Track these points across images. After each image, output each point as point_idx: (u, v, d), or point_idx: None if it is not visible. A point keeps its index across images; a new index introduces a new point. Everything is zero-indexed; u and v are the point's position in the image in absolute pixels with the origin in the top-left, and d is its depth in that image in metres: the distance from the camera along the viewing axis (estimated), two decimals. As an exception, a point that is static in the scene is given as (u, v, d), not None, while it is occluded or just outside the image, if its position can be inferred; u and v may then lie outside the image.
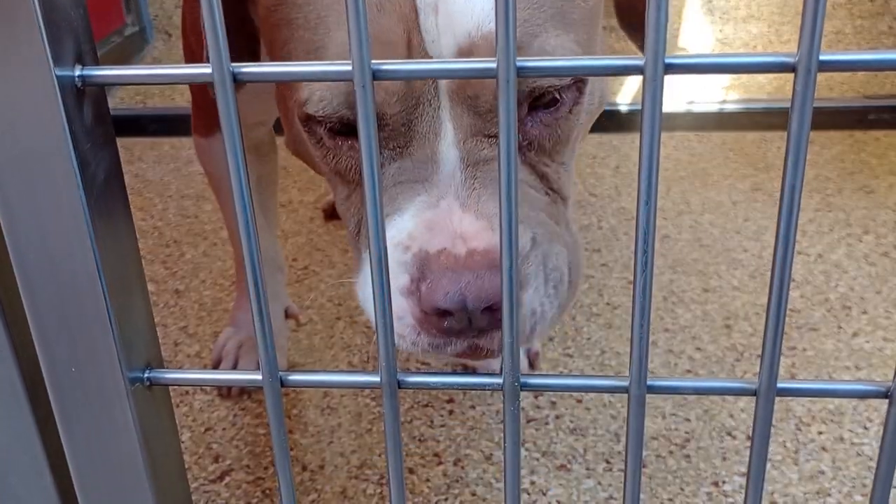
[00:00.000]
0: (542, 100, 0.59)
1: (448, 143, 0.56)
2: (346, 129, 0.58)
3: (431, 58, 0.55)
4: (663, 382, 0.45)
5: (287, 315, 1.19)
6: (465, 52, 0.55)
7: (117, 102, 2.17)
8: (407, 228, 0.55)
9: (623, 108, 1.89)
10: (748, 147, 1.82)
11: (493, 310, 0.52)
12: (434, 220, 0.54)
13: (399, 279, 0.55)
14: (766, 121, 1.90)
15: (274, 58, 0.64)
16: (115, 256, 0.45)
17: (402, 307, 0.55)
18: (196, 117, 1.02)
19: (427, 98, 0.56)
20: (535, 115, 0.59)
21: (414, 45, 0.55)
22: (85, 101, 0.42)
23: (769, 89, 2.11)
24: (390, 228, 0.56)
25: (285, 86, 0.63)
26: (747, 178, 1.68)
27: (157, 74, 0.43)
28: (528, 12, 0.56)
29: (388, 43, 0.55)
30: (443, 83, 0.55)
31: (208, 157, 1.02)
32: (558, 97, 0.58)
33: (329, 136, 0.59)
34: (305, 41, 0.59)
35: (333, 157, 0.60)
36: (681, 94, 1.95)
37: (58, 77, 0.40)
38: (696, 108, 1.92)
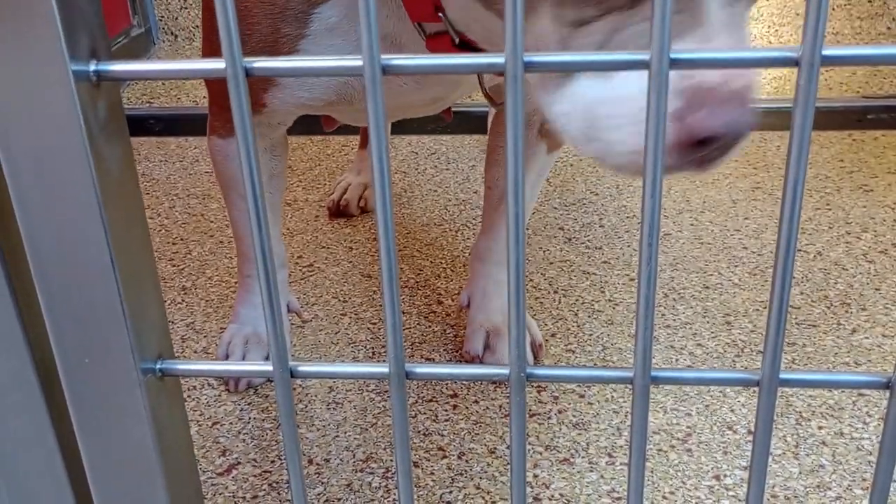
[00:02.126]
0: None
1: None
2: None
3: None
4: (667, 373, 0.46)
5: (289, 310, 1.19)
6: None
7: (124, 103, 2.17)
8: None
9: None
10: (748, 146, 1.83)
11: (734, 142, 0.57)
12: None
13: (672, 102, 0.57)
14: (766, 121, 1.91)
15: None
16: (127, 249, 0.46)
17: (670, 129, 0.58)
18: (214, 117, 1.01)
19: None
20: None
21: None
22: (99, 95, 0.43)
23: (769, 90, 2.12)
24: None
25: None
26: (747, 177, 1.69)
27: (170, 70, 0.43)
28: None
29: None
30: None
31: (225, 160, 1.01)
32: None
33: None
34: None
35: None
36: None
37: (73, 72, 0.40)
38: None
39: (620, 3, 0.58)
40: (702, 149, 0.58)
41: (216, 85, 0.99)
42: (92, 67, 0.42)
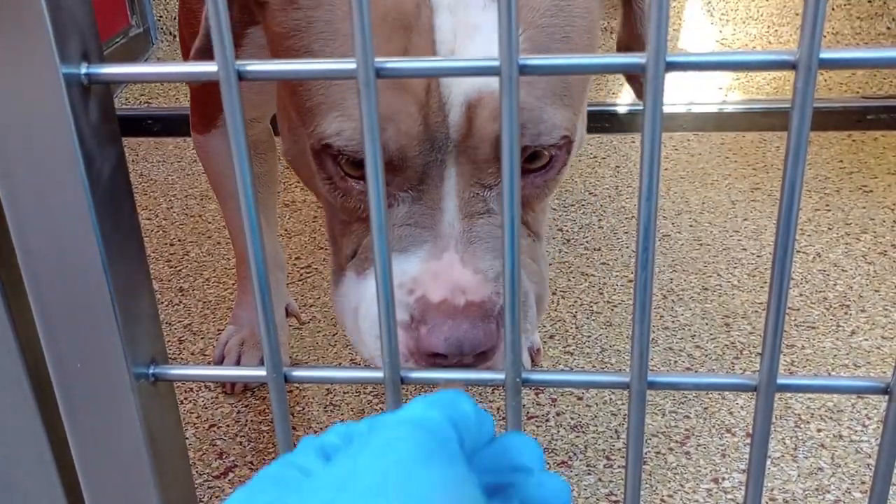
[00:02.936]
0: (537, 161, 0.62)
1: (450, 189, 0.60)
2: (358, 166, 0.60)
3: (444, 101, 0.58)
4: (664, 378, 0.46)
5: (287, 313, 1.19)
6: (474, 102, 0.57)
7: (122, 103, 2.17)
8: (410, 272, 0.60)
9: (623, 109, 1.90)
10: (747, 147, 1.83)
11: (483, 353, 0.58)
12: (438, 271, 0.59)
13: (399, 315, 0.59)
14: (765, 121, 1.90)
15: (285, 85, 0.65)
16: (120, 252, 0.45)
17: (399, 338, 0.59)
18: (194, 113, 1.02)
19: (439, 144, 0.58)
20: (528, 176, 0.63)
21: (431, 90, 0.58)
22: (91, 98, 0.43)
23: (768, 90, 2.12)
24: (395, 267, 0.59)
25: (298, 111, 0.63)
26: (746, 178, 1.69)
27: (162, 72, 0.43)
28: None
29: (409, 87, 0.57)
30: (453, 132, 0.58)
31: (206, 154, 1.03)
32: (549, 157, 0.62)
33: (338, 170, 0.61)
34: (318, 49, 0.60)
35: (341, 193, 0.62)
36: (681, 95, 1.96)
37: (64, 75, 0.40)
38: (696, 109, 1.93)
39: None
40: (443, 359, 0.58)
41: (195, 83, 1.00)
42: (83, 70, 0.42)
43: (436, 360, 0.58)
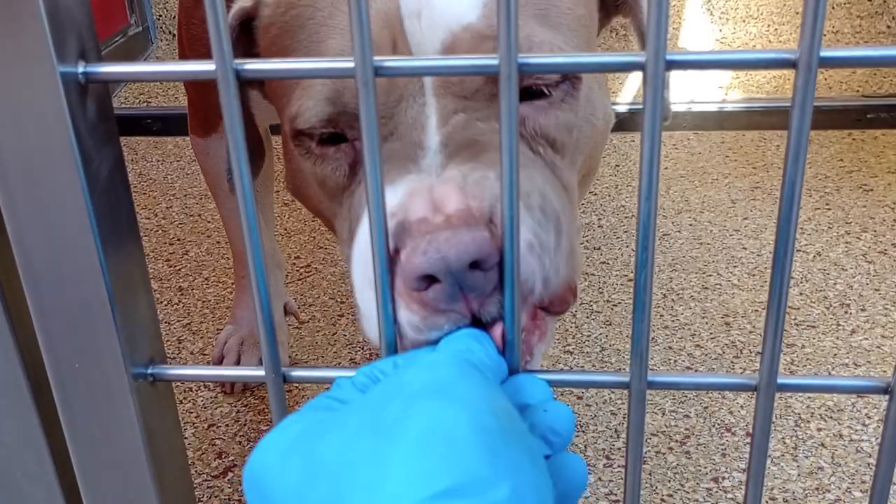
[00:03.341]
0: (537, 98, 0.60)
1: (432, 128, 0.57)
2: (333, 137, 0.59)
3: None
4: (664, 378, 0.45)
5: (286, 312, 1.19)
6: (449, 47, 0.56)
7: (120, 103, 2.17)
8: (391, 203, 0.52)
9: (622, 108, 1.89)
10: (747, 146, 1.82)
11: (482, 269, 0.49)
12: (418, 190, 0.53)
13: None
14: (765, 120, 1.90)
15: (275, 96, 0.65)
16: (118, 252, 0.45)
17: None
18: (192, 118, 1.02)
19: (412, 93, 0.57)
20: (534, 115, 0.60)
21: (399, 48, 0.57)
22: (88, 97, 0.42)
23: (768, 89, 2.11)
24: None
25: (281, 107, 0.63)
26: (746, 176, 1.69)
27: (159, 71, 0.43)
28: None
29: (374, 47, 0.56)
30: (428, 81, 0.56)
31: (205, 157, 1.03)
32: (547, 92, 0.59)
33: (318, 147, 0.60)
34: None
35: (322, 166, 0.61)
36: (681, 94, 1.96)
37: (61, 74, 0.40)
38: (696, 108, 1.92)
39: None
40: (441, 289, 0.49)
41: (192, 85, 1.01)
42: (80, 69, 0.41)
43: (427, 294, 0.49)
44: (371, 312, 0.53)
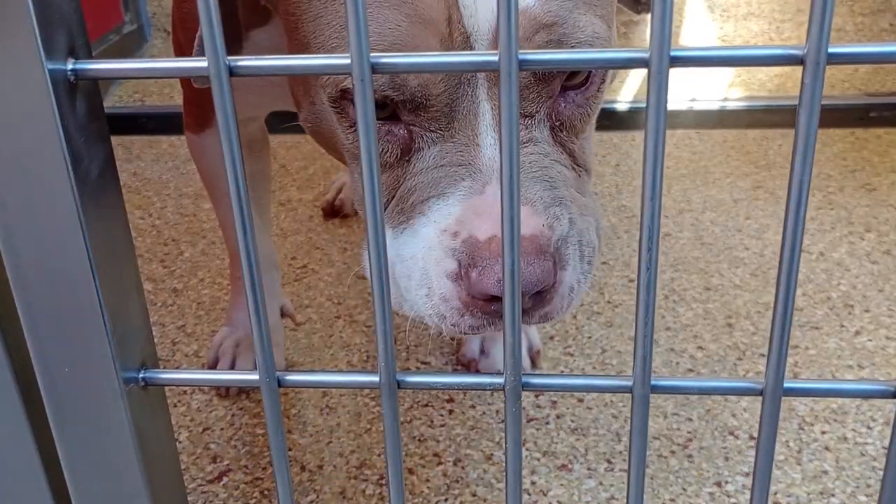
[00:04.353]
0: (576, 78, 0.59)
1: (486, 124, 0.56)
2: (381, 111, 0.58)
3: (469, 34, 0.56)
4: (667, 382, 0.44)
5: (282, 313, 1.18)
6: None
7: (115, 101, 2.16)
8: (454, 214, 0.56)
9: (623, 107, 1.88)
10: (749, 145, 1.81)
11: (540, 293, 0.54)
12: (481, 207, 0.55)
13: (446, 264, 0.56)
14: (768, 119, 1.89)
15: (297, 46, 0.64)
16: (108, 254, 0.44)
17: (449, 291, 0.56)
18: (187, 114, 1.01)
19: (467, 78, 0.56)
20: (567, 95, 0.60)
21: (453, 21, 0.56)
22: (78, 95, 0.41)
23: (770, 87, 2.10)
24: (435, 212, 0.57)
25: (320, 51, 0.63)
26: (749, 176, 1.68)
27: (150, 68, 0.42)
28: None
29: (430, 20, 0.55)
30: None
31: (200, 154, 1.02)
32: (589, 74, 0.60)
33: None
34: (331, 37, 0.59)
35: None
36: (683, 92, 1.94)
37: (49, 71, 0.39)
38: (698, 106, 1.91)
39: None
40: (499, 304, 0.54)
41: (188, 82, 1.00)
42: (69, 66, 0.40)
43: (492, 306, 0.54)
44: (415, 299, 0.58)
